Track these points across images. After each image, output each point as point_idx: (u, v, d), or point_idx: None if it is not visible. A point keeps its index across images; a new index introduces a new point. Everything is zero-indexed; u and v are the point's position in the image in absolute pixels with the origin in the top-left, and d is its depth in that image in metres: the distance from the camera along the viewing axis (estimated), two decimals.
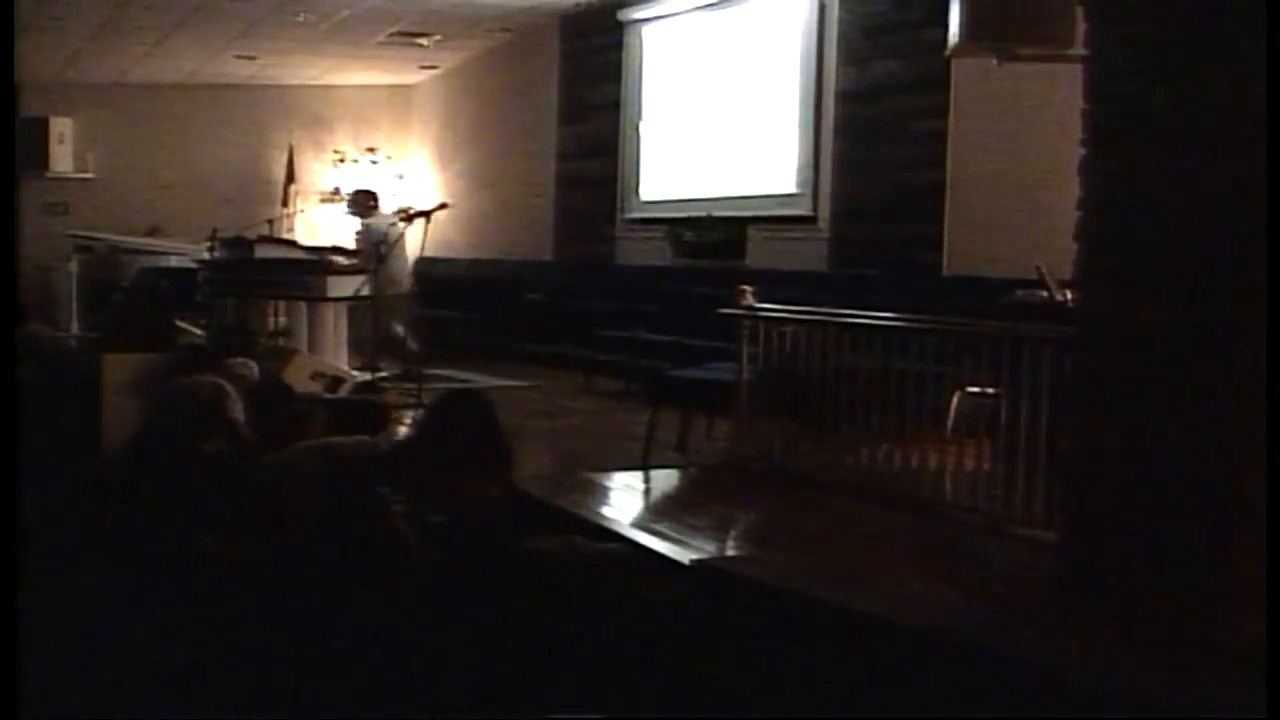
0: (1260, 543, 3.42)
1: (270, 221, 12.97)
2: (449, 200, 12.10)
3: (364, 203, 11.08)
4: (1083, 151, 4.17)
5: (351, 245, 10.63)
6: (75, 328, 12.76)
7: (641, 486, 6.38)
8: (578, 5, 12.63)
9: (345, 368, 9.00)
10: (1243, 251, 3.62)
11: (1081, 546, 4.17)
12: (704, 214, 11.21)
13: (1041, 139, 7.78)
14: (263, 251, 10.19)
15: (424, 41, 13.54)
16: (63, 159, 14.82)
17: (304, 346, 9.30)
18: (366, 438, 5.79)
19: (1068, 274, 4.59)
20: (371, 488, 4.90)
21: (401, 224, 10.07)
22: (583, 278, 12.63)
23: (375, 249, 9.77)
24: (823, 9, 10.22)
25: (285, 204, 15.15)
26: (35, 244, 13.03)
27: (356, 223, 11.01)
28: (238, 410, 6.86)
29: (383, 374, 9.40)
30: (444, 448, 4.78)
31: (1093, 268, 4.17)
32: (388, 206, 15.07)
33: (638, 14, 12.29)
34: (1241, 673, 3.38)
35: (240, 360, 7.49)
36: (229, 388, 6.97)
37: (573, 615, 4.03)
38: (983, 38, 6.27)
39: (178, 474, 6.22)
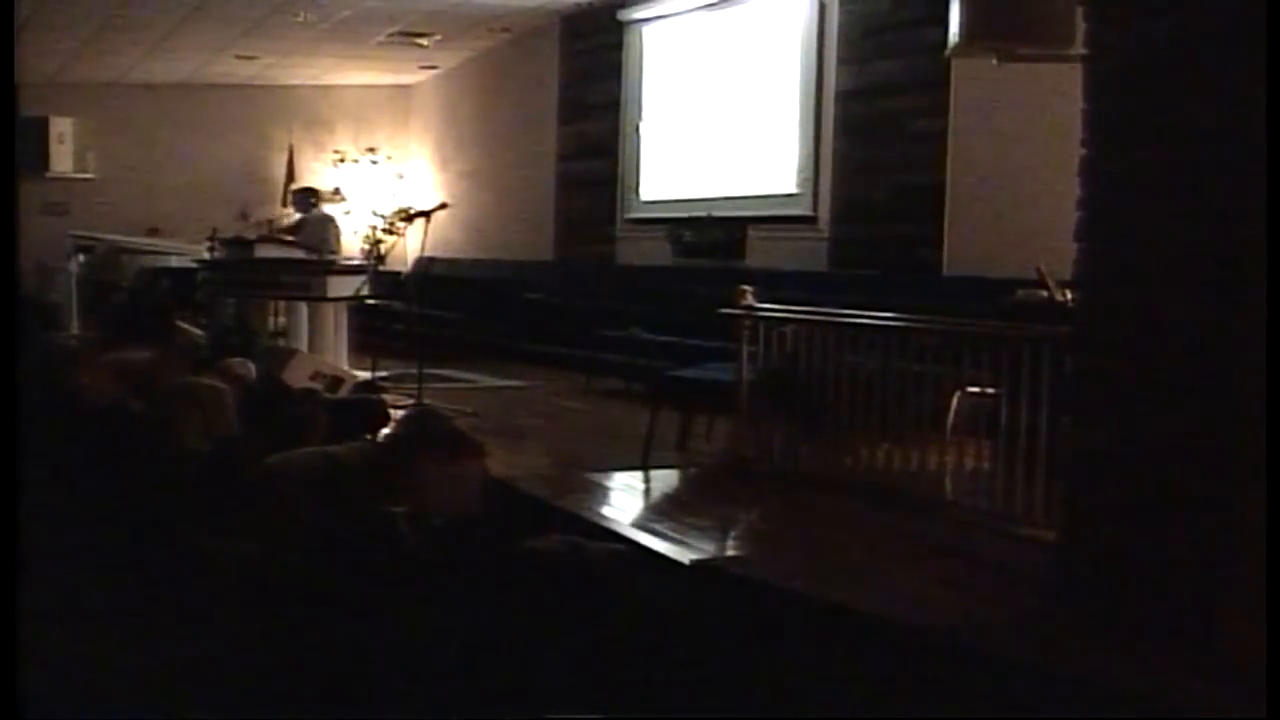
0: (1260, 543, 3.42)
1: (270, 221, 12.98)
2: (449, 200, 12.10)
3: (305, 199, 11.51)
4: (1083, 151, 4.16)
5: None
6: (75, 328, 12.75)
7: (641, 486, 6.38)
8: (578, 5, 12.63)
9: (345, 368, 9.00)
10: (1243, 251, 3.61)
11: (1081, 546, 4.17)
12: (704, 214, 11.21)
13: (1041, 139, 7.77)
14: (263, 251, 10.19)
15: (424, 41, 13.55)
16: (63, 159, 14.84)
17: (304, 346, 9.29)
18: (366, 439, 5.78)
19: (1068, 274, 4.59)
20: (371, 491, 4.89)
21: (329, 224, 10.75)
22: (583, 278, 12.63)
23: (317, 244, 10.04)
24: (823, 9, 10.22)
25: (285, 204, 15.15)
26: (35, 244, 13.01)
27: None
28: (230, 414, 6.83)
29: (383, 374, 9.40)
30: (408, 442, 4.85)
31: (1093, 268, 4.17)
32: (386, 206, 15.20)
33: (638, 14, 12.30)
34: (1241, 673, 3.38)
35: (238, 360, 7.47)
36: (227, 389, 6.95)
37: (573, 615, 4.02)
38: (983, 38, 6.26)
39: (175, 475, 6.20)
